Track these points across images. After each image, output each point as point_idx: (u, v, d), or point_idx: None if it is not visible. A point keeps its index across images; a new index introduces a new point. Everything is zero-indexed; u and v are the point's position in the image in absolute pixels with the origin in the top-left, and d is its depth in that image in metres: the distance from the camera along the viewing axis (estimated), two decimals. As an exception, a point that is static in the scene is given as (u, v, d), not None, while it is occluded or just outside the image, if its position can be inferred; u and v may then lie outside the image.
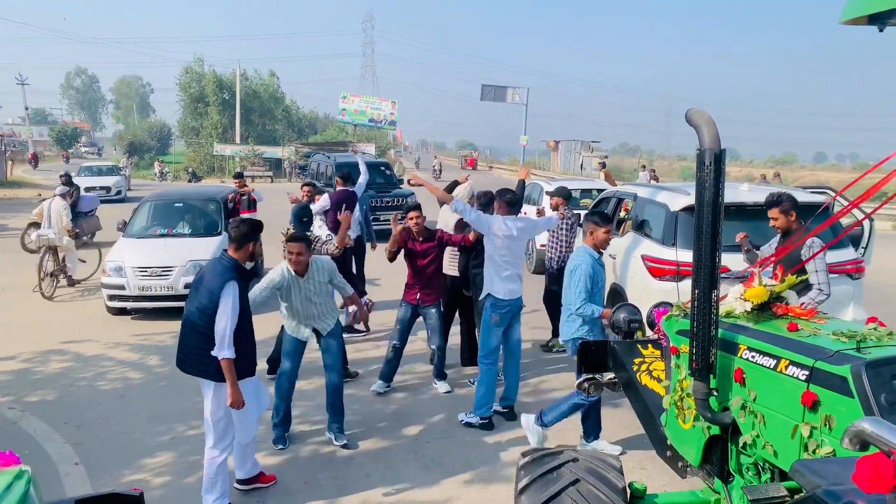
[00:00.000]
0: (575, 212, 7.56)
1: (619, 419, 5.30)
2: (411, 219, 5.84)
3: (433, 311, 5.98)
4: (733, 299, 3.10)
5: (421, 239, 5.88)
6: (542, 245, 11.47)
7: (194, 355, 3.97)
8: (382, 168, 17.98)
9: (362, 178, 9.36)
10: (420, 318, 6.06)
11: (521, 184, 6.08)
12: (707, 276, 2.65)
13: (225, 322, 3.83)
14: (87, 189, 23.75)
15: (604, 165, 19.64)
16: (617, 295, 6.48)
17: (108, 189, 24.50)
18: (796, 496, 1.66)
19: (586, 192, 12.35)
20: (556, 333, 6.73)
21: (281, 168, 40.39)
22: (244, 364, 4.03)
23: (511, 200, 5.44)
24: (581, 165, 42.09)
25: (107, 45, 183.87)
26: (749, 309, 3.02)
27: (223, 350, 3.83)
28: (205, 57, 59.24)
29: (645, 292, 5.87)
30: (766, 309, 3.03)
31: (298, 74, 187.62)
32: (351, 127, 49.50)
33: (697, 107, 2.76)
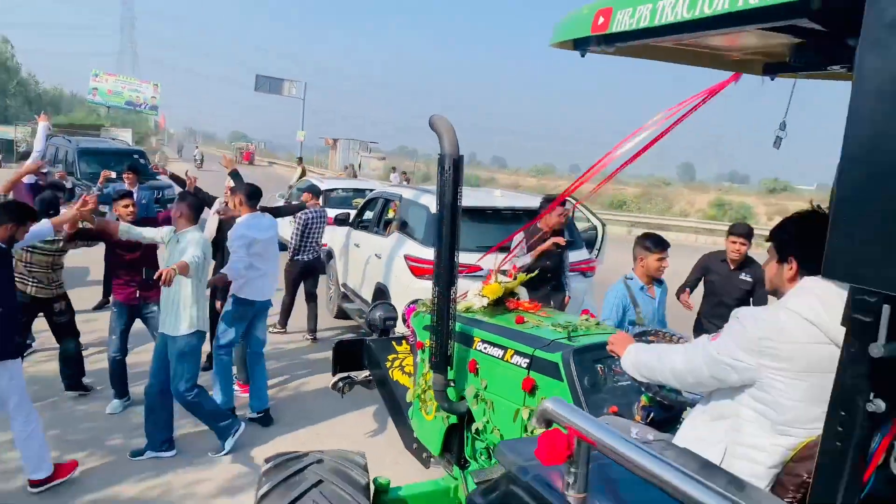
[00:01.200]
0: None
1: (379, 416, 5.40)
2: (126, 206, 5.17)
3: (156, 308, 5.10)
4: (473, 296, 3.33)
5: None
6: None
7: None
8: (136, 156, 16.30)
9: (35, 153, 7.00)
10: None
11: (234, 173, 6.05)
12: (446, 274, 2.80)
13: None
14: None
15: (300, 160, 20.61)
16: (381, 294, 6.62)
17: None
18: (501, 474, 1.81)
19: (359, 192, 12.43)
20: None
21: (13, 151, 34.78)
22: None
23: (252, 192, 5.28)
24: (359, 165, 42.48)
25: None
26: (486, 304, 3.26)
27: None
28: None
29: (406, 290, 6.06)
30: (500, 304, 3.29)
31: (41, 44, 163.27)
32: (105, 109, 44.31)
33: (439, 114, 2.90)
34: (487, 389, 2.87)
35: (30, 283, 5.26)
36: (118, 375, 5.21)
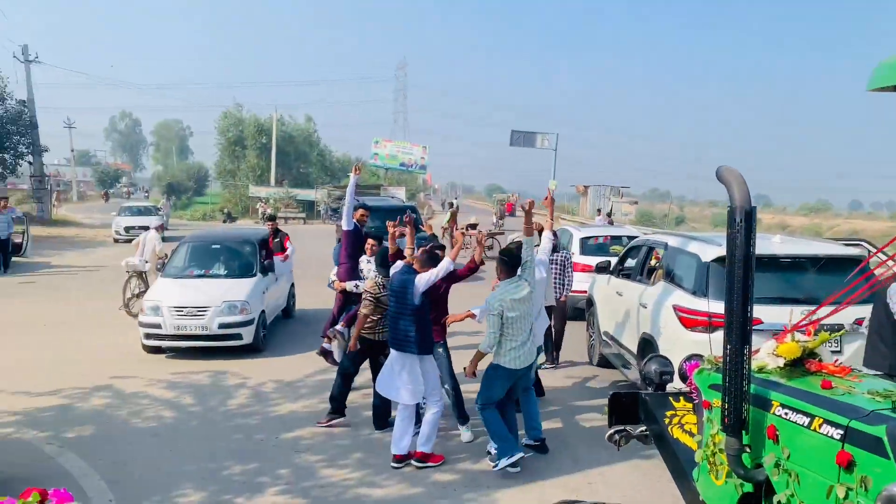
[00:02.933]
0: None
1: (651, 472, 5.22)
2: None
3: (440, 349, 5.83)
4: (766, 354, 3.11)
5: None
6: (572, 291, 11.46)
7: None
8: (409, 211, 18.13)
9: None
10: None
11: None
12: (739, 332, 2.69)
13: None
14: (126, 229, 24.64)
15: (452, 205, 19.77)
16: (648, 345, 6.45)
17: (146, 228, 25.17)
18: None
19: (616, 239, 12.28)
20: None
21: (314, 210, 41.18)
22: None
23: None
24: (611, 211, 42.02)
25: (150, 91, 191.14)
26: (781, 365, 3.02)
27: None
28: (243, 102, 61.25)
29: (676, 343, 5.83)
30: (798, 365, 3.03)
31: (333, 118, 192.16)
32: (383, 171, 50.42)
33: (727, 164, 2.83)
34: (790, 459, 2.64)
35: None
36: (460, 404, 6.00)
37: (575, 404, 7.04)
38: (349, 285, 7.33)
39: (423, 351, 5.33)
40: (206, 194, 61.19)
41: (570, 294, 8.54)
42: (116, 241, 24.44)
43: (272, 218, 12.20)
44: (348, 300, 7.36)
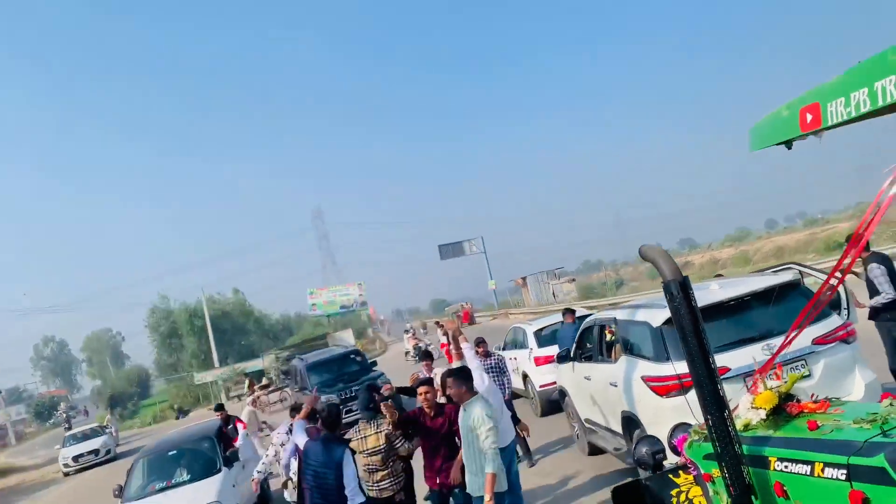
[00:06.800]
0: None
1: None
2: (421, 394, 5.61)
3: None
4: (746, 410, 3.08)
5: (432, 414, 5.58)
6: (541, 386, 11.33)
7: None
8: (352, 356, 17.81)
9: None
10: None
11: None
12: (713, 400, 2.66)
13: None
14: (76, 458, 22.99)
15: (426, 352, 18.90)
16: (631, 422, 6.34)
17: (96, 452, 23.70)
18: None
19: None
20: None
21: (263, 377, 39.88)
22: None
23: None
24: (553, 294, 42.71)
25: (70, 309, 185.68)
26: (764, 416, 2.99)
27: None
28: (168, 292, 60.30)
29: (657, 413, 5.76)
30: (780, 412, 3.01)
31: (262, 282, 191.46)
32: (325, 319, 49.93)
33: (648, 242, 2.92)
34: (808, 512, 2.56)
35: None
36: None
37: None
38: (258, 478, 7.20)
39: None
40: (151, 395, 58.47)
41: (543, 388, 8.41)
42: (67, 474, 22.70)
43: (220, 407, 11.72)
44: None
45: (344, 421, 7.32)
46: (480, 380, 5.56)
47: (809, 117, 1.81)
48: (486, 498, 4.63)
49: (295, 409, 6.90)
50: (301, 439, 5.60)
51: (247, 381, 27.74)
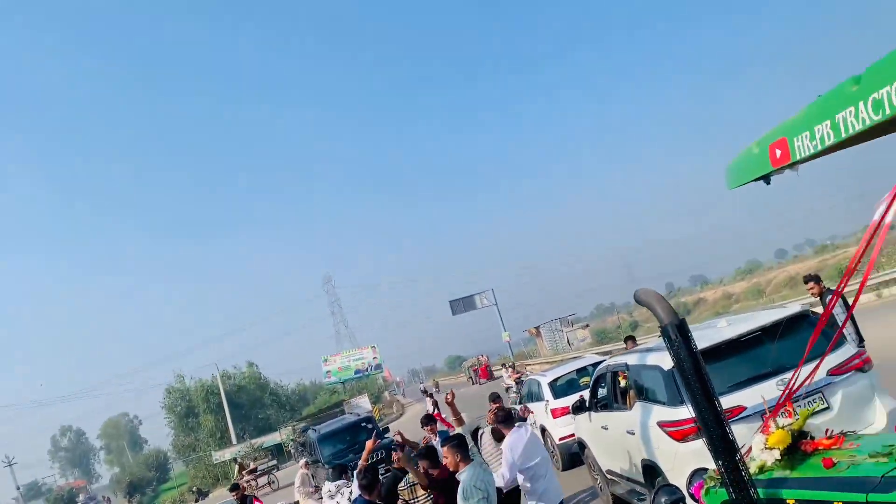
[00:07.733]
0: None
1: None
2: (423, 467, 5.63)
3: None
4: (759, 451, 2.97)
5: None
6: (561, 439, 11.05)
7: None
8: (363, 424, 17.52)
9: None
10: None
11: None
12: (724, 446, 2.56)
13: None
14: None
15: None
16: (652, 470, 6.14)
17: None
18: None
19: (581, 371, 12.12)
20: None
21: (283, 452, 39.18)
22: None
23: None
24: (568, 342, 42.23)
25: (85, 396, 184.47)
26: (778, 457, 2.88)
27: None
28: (183, 370, 60.02)
29: (676, 459, 5.58)
30: (795, 450, 2.90)
31: (277, 353, 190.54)
32: (341, 386, 49.39)
33: (644, 287, 2.88)
34: (833, 557, 2.43)
35: None
36: None
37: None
38: None
39: None
40: (170, 478, 57.46)
41: (562, 440, 8.14)
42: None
43: (235, 487, 11.46)
44: None
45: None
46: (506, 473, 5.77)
47: (779, 153, 1.82)
48: None
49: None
50: None
51: (237, 466, 27.31)
